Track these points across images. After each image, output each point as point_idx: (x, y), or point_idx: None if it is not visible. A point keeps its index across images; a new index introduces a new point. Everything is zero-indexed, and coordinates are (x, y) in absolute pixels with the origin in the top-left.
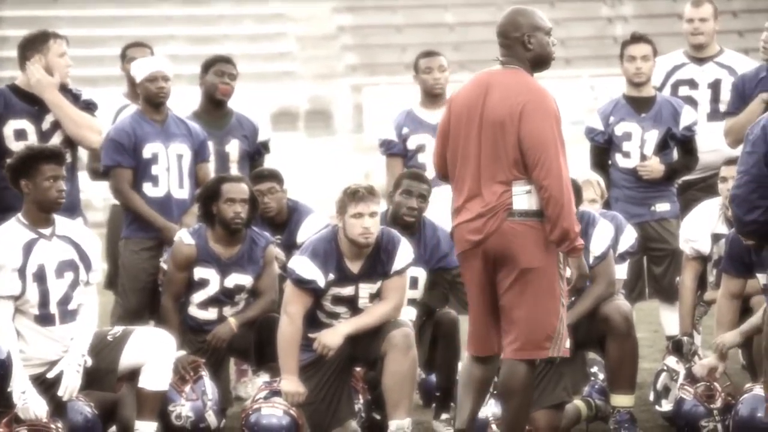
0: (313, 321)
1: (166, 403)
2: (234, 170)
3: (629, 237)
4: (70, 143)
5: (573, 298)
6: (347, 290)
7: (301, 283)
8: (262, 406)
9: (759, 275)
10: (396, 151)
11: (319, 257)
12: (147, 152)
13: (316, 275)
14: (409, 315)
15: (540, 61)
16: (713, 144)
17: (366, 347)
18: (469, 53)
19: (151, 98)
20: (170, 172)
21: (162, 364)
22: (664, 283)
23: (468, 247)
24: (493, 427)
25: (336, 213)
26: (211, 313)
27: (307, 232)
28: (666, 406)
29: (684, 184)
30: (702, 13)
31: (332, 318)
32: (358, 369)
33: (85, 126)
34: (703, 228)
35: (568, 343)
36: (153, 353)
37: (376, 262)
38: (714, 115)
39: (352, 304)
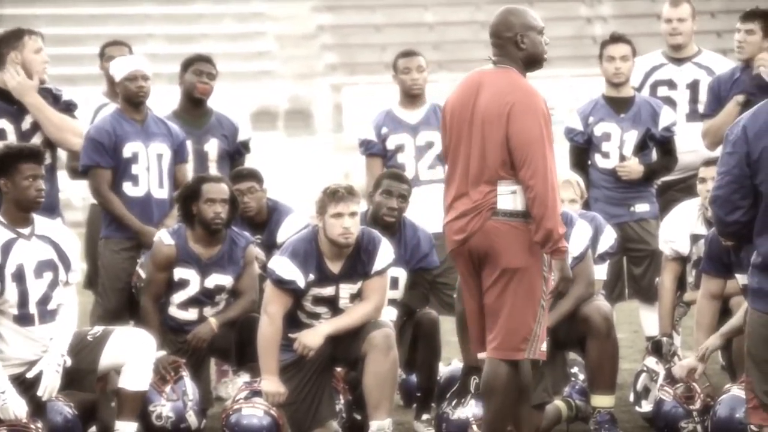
0: (293, 321)
1: (146, 404)
2: (213, 170)
3: (609, 237)
4: (50, 143)
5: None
6: (328, 290)
7: (281, 284)
8: (242, 406)
9: (738, 276)
10: (375, 151)
11: (299, 257)
12: (127, 151)
13: (296, 275)
14: (389, 315)
15: (533, 61)
16: (692, 144)
17: (347, 347)
18: (449, 53)
19: (130, 97)
20: (150, 171)
21: (142, 365)
22: (644, 284)
23: (453, 247)
24: (474, 427)
25: (316, 213)
26: (191, 314)
27: (287, 232)
28: (646, 406)
29: (663, 184)
30: (680, 13)
31: (313, 318)
32: (338, 369)
33: (67, 129)
34: (682, 229)
35: (544, 346)
36: (133, 353)
37: (357, 262)
38: (693, 115)
39: (332, 304)
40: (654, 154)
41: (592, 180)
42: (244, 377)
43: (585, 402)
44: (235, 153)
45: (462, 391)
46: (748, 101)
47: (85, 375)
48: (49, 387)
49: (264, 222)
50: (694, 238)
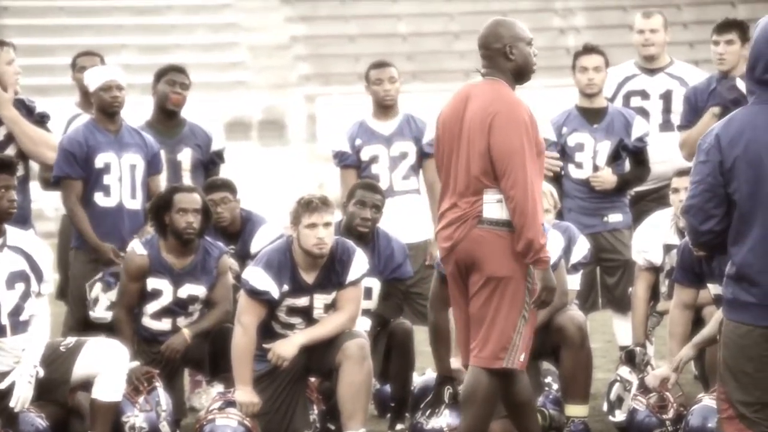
0: (268, 332)
1: (119, 414)
2: (187, 179)
3: (582, 248)
4: (23, 155)
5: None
6: (302, 301)
7: (255, 294)
8: (216, 416)
9: (710, 285)
10: (350, 162)
11: (273, 268)
12: (99, 162)
13: (270, 286)
14: (363, 325)
15: (522, 72)
16: (665, 155)
17: (321, 358)
18: (423, 63)
19: (105, 108)
20: (122, 182)
21: (115, 375)
22: (617, 294)
23: (442, 255)
24: None
25: (290, 223)
26: (164, 324)
27: (261, 242)
28: (619, 416)
29: (636, 195)
30: (652, 24)
31: (287, 329)
32: (312, 379)
33: (42, 143)
34: (655, 239)
35: (523, 356)
36: (106, 364)
37: (331, 272)
38: (666, 125)
39: (307, 314)
40: (627, 165)
41: (566, 190)
42: (218, 388)
43: (559, 412)
44: (209, 163)
45: (436, 401)
46: (724, 112)
47: (57, 386)
48: (21, 398)
49: (237, 232)
50: (667, 248)
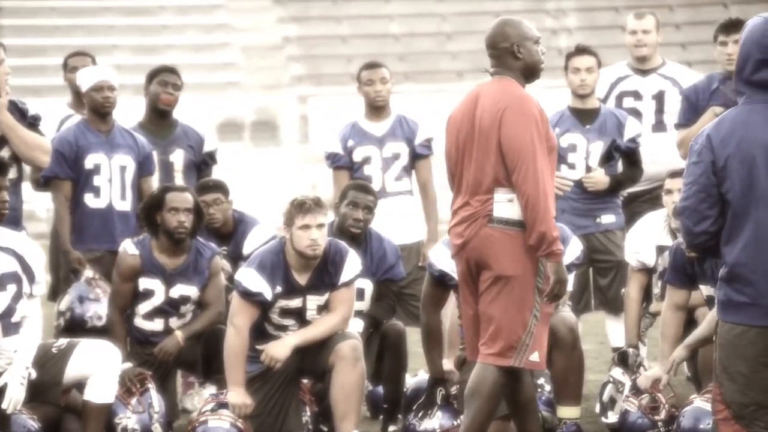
0: (260, 333)
1: (112, 416)
2: (179, 180)
3: (575, 248)
4: (16, 157)
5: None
6: (295, 302)
7: (248, 296)
8: (209, 418)
9: (702, 287)
10: (342, 163)
11: (266, 269)
12: (89, 163)
13: (263, 287)
14: (356, 327)
15: (531, 70)
16: (658, 155)
17: (314, 359)
18: (415, 64)
19: (97, 108)
20: (112, 183)
21: (107, 377)
22: (610, 295)
23: (453, 251)
24: None
25: (283, 225)
26: (157, 324)
27: (253, 244)
28: (612, 417)
29: (629, 196)
30: (644, 25)
31: (280, 330)
32: (305, 381)
33: (37, 147)
34: (647, 240)
35: (535, 356)
36: (98, 365)
37: (324, 273)
38: (658, 126)
39: (299, 316)
40: (620, 166)
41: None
42: (211, 389)
43: (551, 413)
44: (201, 164)
45: (428, 403)
46: None
47: (49, 387)
48: (13, 400)
49: (230, 234)
50: (660, 250)
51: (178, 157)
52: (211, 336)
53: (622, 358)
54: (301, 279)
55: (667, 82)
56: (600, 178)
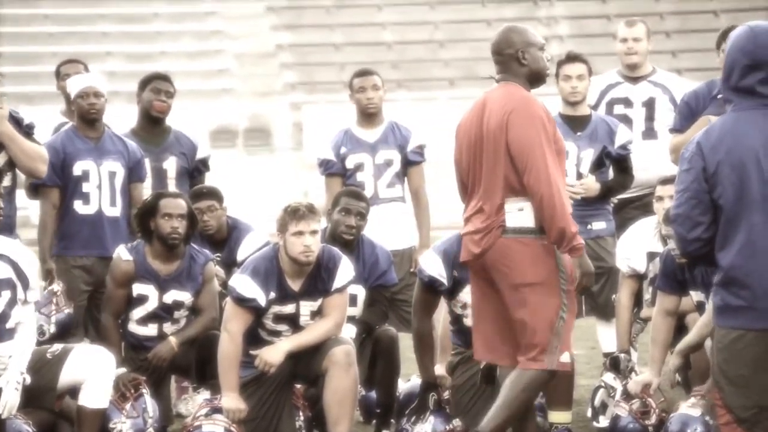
0: (254, 339)
1: (106, 421)
2: (172, 187)
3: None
4: (11, 165)
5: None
6: (288, 308)
7: (242, 302)
8: (203, 423)
9: (692, 293)
10: (335, 170)
11: (259, 275)
12: (77, 169)
13: (257, 294)
14: (348, 332)
15: (536, 77)
16: (648, 162)
17: (307, 364)
18: (408, 72)
19: (83, 114)
20: (102, 189)
21: (102, 382)
22: (601, 301)
23: (469, 258)
24: None
25: (277, 231)
26: (151, 329)
27: (247, 250)
28: (603, 422)
29: (620, 202)
30: (635, 32)
31: (274, 336)
32: (298, 386)
33: (38, 158)
34: (638, 246)
35: (565, 356)
36: (93, 371)
37: (317, 279)
38: (648, 133)
39: (293, 321)
40: (610, 172)
41: None
42: (204, 394)
43: (542, 418)
44: (194, 171)
45: (421, 408)
46: None
47: (44, 393)
48: (8, 405)
49: (224, 240)
50: (651, 256)
51: (171, 165)
52: (205, 341)
53: (614, 364)
54: (295, 285)
55: (658, 89)
56: (591, 185)
